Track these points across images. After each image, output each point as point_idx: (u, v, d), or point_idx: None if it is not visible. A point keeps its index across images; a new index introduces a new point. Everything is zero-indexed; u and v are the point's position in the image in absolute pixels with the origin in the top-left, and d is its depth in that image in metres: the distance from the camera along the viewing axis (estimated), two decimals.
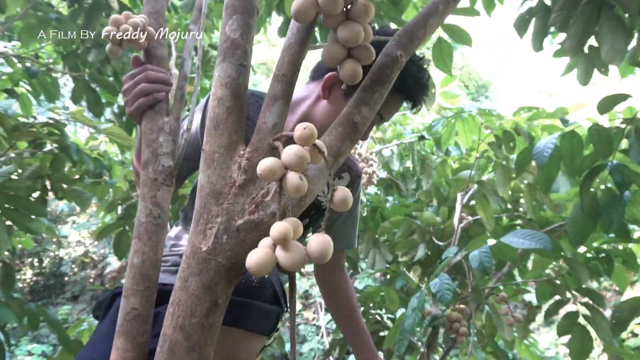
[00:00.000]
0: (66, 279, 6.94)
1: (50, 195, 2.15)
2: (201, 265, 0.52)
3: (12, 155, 1.94)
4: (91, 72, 2.11)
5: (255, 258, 0.46)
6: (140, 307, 0.73)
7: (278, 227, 0.47)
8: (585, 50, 1.49)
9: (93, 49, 2.20)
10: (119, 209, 2.17)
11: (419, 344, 1.96)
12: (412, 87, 0.99)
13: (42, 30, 1.97)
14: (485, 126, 2.03)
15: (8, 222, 1.65)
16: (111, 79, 2.46)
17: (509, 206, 2.25)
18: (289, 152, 0.50)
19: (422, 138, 2.28)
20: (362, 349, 1.21)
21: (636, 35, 1.43)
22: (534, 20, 1.45)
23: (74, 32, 2.11)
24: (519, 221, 2.18)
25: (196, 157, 1.11)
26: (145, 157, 0.83)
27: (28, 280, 6.91)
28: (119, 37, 0.86)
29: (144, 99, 0.85)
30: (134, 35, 0.87)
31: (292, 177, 0.49)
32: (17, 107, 2.15)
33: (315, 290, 5.77)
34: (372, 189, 2.68)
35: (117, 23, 0.86)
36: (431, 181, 2.19)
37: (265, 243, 0.50)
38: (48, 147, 2.07)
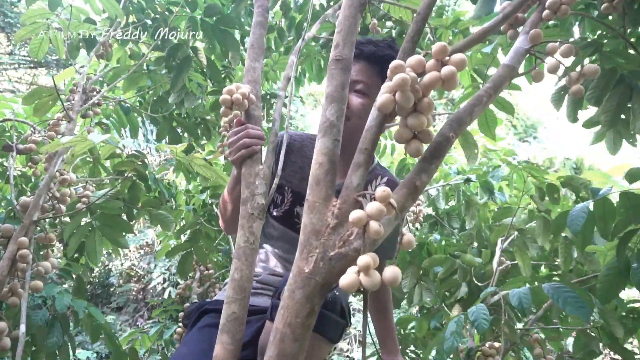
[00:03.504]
0: (112, 289, 7.34)
1: None
2: (304, 282, 0.74)
3: (106, 180, 2.27)
4: (174, 116, 2.46)
5: (346, 280, 0.68)
6: (238, 311, 0.96)
7: (364, 259, 0.68)
8: None
9: (173, 94, 2.55)
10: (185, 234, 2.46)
11: None
12: None
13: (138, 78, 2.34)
14: (529, 176, 2.17)
15: None
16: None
17: (548, 254, 2.35)
18: (372, 207, 0.72)
19: (467, 180, 2.46)
20: (384, 343, 1.50)
21: None
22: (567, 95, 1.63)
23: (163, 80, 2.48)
24: (558, 272, 2.27)
25: None
26: (244, 196, 1.07)
27: None
28: (231, 101, 1.13)
29: (244, 151, 1.10)
30: (241, 101, 1.14)
31: (374, 225, 0.71)
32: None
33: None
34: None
35: (230, 92, 1.13)
36: (474, 222, 2.35)
37: (351, 270, 0.71)
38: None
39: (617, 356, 1.66)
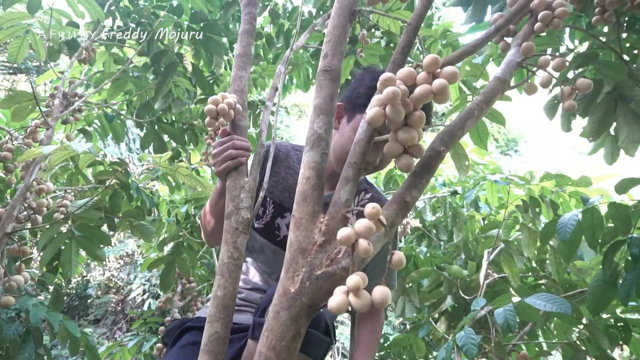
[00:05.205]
0: (90, 301, 7.16)
1: None
2: (290, 302, 0.71)
3: (85, 188, 2.19)
4: (162, 123, 2.40)
5: (335, 301, 0.64)
6: (221, 331, 0.91)
7: (353, 279, 0.65)
8: (612, 132, 1.64)
9: (161, 99, 2.50)
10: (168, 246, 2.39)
11: None
12: None
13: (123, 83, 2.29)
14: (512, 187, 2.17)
15: None
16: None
17: (535, 265, 2.36)
18: (361, 225, 0.68)
19: (454, 193, 2.46)
20: None
21: None
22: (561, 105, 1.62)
23: (149, 86, 2.43)
24: (543, 281, 2.27)
25: None
26: (229, 209, 1.03)
27: None
28: (217, 111, 1.09)
29: (230, 162, 1.06)
30: (227, 111, 1.10)
31: (363, 243, 0.68)
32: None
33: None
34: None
35: (216, 102, 1.09)
36: (461, 235, 2.34)
37: (339, 290, 0.67)
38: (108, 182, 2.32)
39: None
